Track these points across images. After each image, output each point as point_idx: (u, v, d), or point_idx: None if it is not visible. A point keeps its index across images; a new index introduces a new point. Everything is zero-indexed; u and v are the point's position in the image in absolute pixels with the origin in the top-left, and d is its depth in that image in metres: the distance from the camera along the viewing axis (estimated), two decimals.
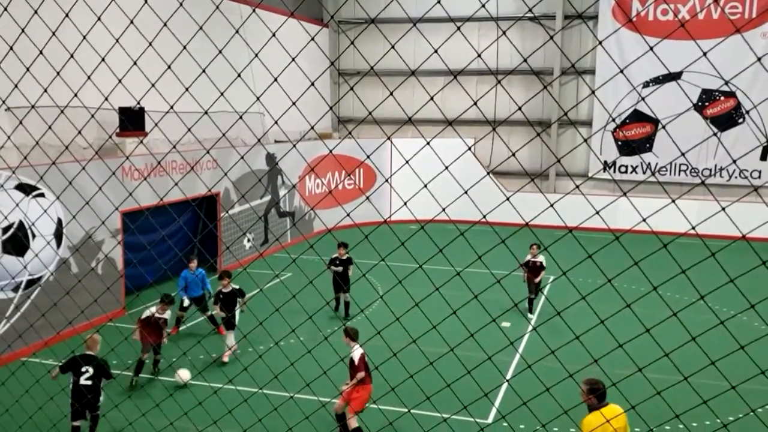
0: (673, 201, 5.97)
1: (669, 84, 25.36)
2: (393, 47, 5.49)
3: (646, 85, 25.92)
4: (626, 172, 27.00)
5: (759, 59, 5.71)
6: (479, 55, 5.13)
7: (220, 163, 18.36)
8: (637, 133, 26.67)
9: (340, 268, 15.00)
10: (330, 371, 8.64)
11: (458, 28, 5.52)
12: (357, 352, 9.11)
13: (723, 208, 5.77)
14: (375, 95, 27.58)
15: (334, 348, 7.37)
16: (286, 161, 22.69)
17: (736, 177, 25.59)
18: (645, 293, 7.21)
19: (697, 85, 25.40)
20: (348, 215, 7.93)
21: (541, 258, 15.06)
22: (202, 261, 19.76)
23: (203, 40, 7.17)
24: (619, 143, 27.03)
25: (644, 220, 6.78)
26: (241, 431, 8.64)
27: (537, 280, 15.12)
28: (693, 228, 6.25)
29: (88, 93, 6.51)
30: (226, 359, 12.42)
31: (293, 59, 6.38)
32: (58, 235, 14.21)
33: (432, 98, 6.30)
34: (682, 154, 5.66)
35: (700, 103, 25.71)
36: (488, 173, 7.11)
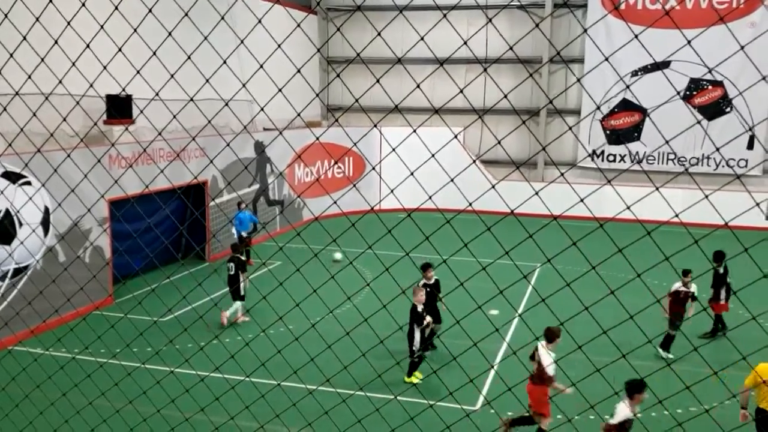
0: (657, 189, 6.02)
1: (657, 73, 25.41)
2: (379, 34, 5.47)
3: (634, 74, 25.97)
4: (614, 161, 27.10)
5: (742, 47, 5.78)
6: (465, 43, 5.13)
7: (208, 151, 18.28)
8: (625, 122, 26.74)
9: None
10: (317, 358, 8.67)
11: (444, 16, 5.52)
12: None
13: (706, 196, 5.83)
14: (365, 84, 27.50)
15: (321, 336, 7.40)
16: (275, 149, 22.62)
17: (723, 166, 25.75)
18: (629, 280, 7.27)
19: (686, 74, 25.48)
20: (335, 203, 7.93)
21: (693, 288, 12.50)
22: (188, 249, 19.72)
23: (193, 28, 7.12)
24: (608, 132, 27.10)
25: (628, 207, 6.84)
26: (227, 418, 8.67)
27: (684, 311, 12.49)
28: (676, 215, 6.31)
29: (77, 81, 6.46)
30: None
31: (279, 46, 6.36)
32: (45, 223, 14.14)
33: (418, 86, 6.29)
34: (666, 143, 5.70)
35: (688, 92, 25.79)
36: (474, 161, 7.12)
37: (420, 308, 11.33)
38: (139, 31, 5.66)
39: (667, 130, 24.60)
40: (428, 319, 11.38)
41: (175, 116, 6.63)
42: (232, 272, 14.10)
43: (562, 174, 5.40)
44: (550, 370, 8.69)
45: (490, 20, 5.05)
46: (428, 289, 12.17)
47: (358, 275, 17.08)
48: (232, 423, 8.36)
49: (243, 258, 14.36)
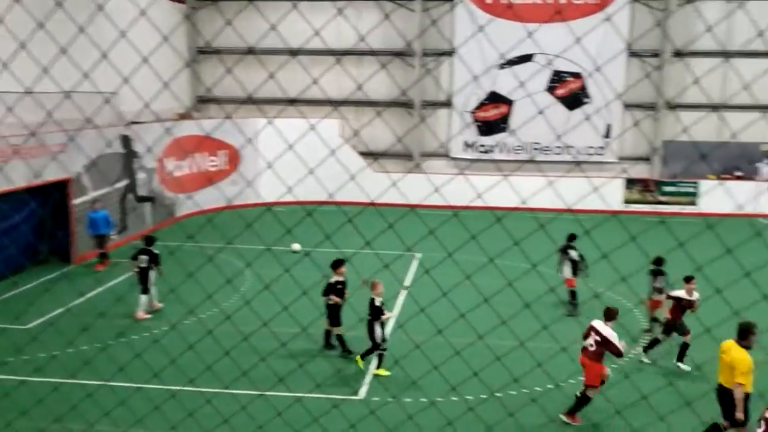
0: (505, 177, 6.30)
1: (523, 65, 26.51)
2: (230, 24, 5.35)
3: (501, 66, 26.92)
4: (486, 151, 28.02)
5: (578, 39, 6.13)
6: (317, 33, 5.11)
7: (71, 146, 17.22)
8: (493, 114, 27.72)
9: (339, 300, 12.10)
10: (183, 356, 8.43)
11: (295, 7, 5.50)
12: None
13: (550, 183, 6.15)
14: (242, 74, 26.77)
15: (183, 336, 7.21)
16: (145, 143, 21.68)
17: (582, 154, 27.29)
18: (484, 264, 7.54)
19: (548, 66, 26.70)
20: (204, 199, 7.71)
21: (696, 295, 11.74)
22: (52, 250, 18.55)
23: (65, 20, 6.71)
24: (479, 124, 27.97)
25: (479, 196, 7.13)
26: (85, 426, 8.29)
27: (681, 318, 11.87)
28: (523, 202, 6.65)
29: None
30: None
31: (123, 34, 6.08)
32: None
33: (272, 76, 6.21)
34: (512, 132, 5.95)
35: (552, 84, 27.07)
36: (332, 152, 7.08)
37: (378, 302, 11.09)
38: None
39: (534, 121, 25.77)
40: (387, 314, 11.21)
41: (10, 109, 6.21)
42: (144, 265, 13.81)
43: (418, 165, 5.50)
44: (620, 344, 9.44)
45: (340, 12, 5.05)
46: (339, 287, 11.81)
47: (240, 272, 16.70)
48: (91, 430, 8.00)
49: (157, 252, 14.03)
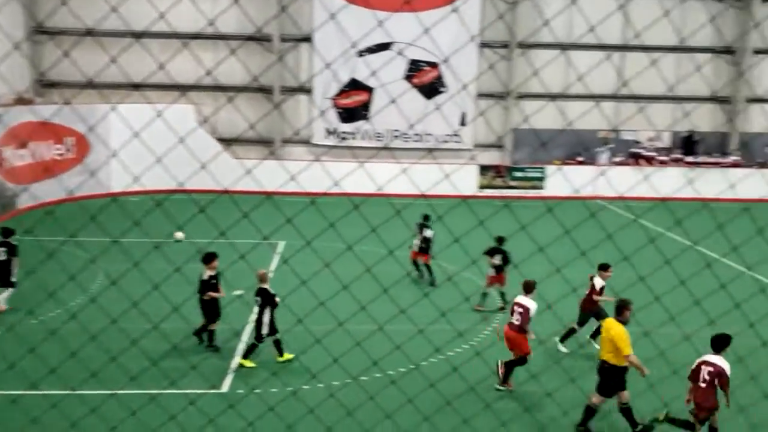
0: (361, 164, 6.38)
1: (381, 53, 26.86)
2: (65, 4, 4.99)
3: (360, 54, 27.11)
4: (347, 138, 28.16)
5: (427, 30, 6.39)
6: (162, 16, 4.91)
7: None
8: (354, 101, 27.91)
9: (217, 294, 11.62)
10: (25, 360, 7.88)
11: None
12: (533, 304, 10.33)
13: (404, 170, 6.30)
14: (92, 57, 24.86)
15: (24, 339, 6.70)
16: None
17: (440, 141, 28.18)
18: (341, 252, 7.61)
19: (406, 55, 27.23)
20: (48, 190, 7.17)
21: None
22: None
23: None
24: (340, 111, 28.04)
25: (336, 183, 7.17)
26: None
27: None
28: (380, 189, 6.78)
29: None
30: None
31: None
32: None
33: (114, 61, 5.89)
34: (367, 120, 6.04)
35: (409, 73, 27.65)
36: (181, 139, 6.71)
37: (271, 290, 10.84)
38: None
39: (393, 108, 26.18)
40: (277, 299, 10.91)
41: None
42: (4, 258, 13.22)
43: (273, 152, 5.42)
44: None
45: None
46: (213, 282, 11.35)
47: (86, 267, 15.74)
48: None
49: (15, 243, 13.39)
